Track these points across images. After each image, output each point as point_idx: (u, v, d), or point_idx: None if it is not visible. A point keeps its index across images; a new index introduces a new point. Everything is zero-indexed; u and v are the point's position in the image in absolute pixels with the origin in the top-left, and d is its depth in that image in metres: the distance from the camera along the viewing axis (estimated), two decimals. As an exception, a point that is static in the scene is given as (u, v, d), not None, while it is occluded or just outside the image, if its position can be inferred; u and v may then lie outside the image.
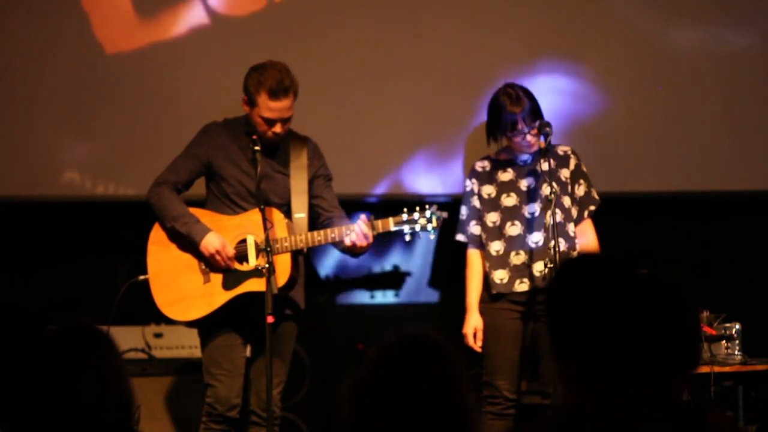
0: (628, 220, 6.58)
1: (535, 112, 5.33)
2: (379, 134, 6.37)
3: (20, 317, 2.83)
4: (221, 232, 5.15)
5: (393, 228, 5.16)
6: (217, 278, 5.17)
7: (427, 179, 6.35)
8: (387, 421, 2.30)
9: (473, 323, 5.40)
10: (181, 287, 5.18)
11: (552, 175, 5.30)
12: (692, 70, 6.46)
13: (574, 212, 5.46)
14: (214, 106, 5.94)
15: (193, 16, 6.33)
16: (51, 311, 2.91)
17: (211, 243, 5.11)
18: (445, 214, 5.23)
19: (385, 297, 6.64)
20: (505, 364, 5.37)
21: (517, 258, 5.39)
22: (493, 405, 5.35)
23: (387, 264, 6.56)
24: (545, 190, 5.35)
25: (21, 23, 6.26)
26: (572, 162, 5.49)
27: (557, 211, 5.27)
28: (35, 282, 6.31)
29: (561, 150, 5.49)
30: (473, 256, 5.47)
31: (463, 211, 5.50)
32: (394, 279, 6.61)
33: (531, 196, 5.41)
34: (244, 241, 5.17)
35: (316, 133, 5.50)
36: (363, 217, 5.14)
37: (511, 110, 5.31)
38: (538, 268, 5.34)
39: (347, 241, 5.10)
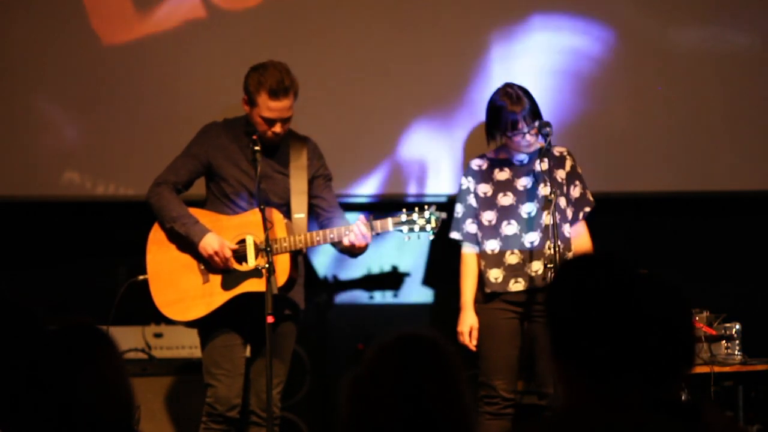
0: (627, 220, 6.58)
1: (534, 111, 5.35)
2: (379, 134, 6.37)
3: (20, 317, 2.83)
4: (221, 232, 5.15)
5: (392, 229, 5.17)
6: (216, 278, 5.17)
7: (426, 179, 6.34)
8: (386, 421, 2.30)
9: (469, 321, 5.40)
10: (181, 287, 5.18)
11: (549, 176, 5.31)
12: (692, 70, 6.46)
13: (570, 213, 5.46)
14: (214, 106, 5.94)
15: (194, 15, 6.33)
16: (51, 311, 2.91)
17: (209, 244, 5.11)
18: (444, 215, 5.25)
19: (384, 297, 6.64)
20: (501, 363, 5.37)
21: (513, 257, 5.39)
22: (490, 405, 5.34)
23: (386, 264, 6.56)
24: (543, 190, 5.36)
25: (20, 23, 6.26)
26: (568, 163, 5.50)
27: (551, 212, 5.28)
28: (35, 282, 6.31)
29: (557, 151, 5.49)
30: (468, 254, 5.47)
31: (459, 208, 5.50)
32: (394, 279, 6.60)
33: (527, 195, 5.42)
34: (243, 241, 5.17)
35: (315, 133, 5.50)
36: (362, 217, 5.14)
37: (511, 110, 5.31)
38: (533, 267, 5.35)
39: (346, 242, 5.11)
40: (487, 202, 5.45)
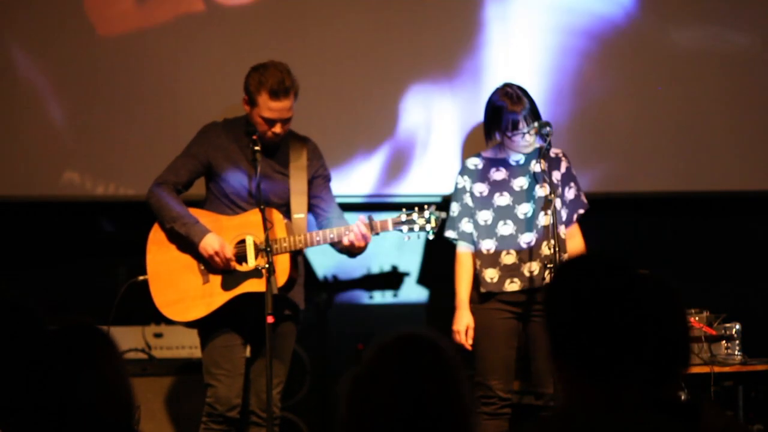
0: (627, 220, 6.58)
1: (534, 111, 5.35)
2: (379, 134, 6.37)
3: (20, 317, 2.83)
4: (220, 233, 5.15)
5: (392, 229, 5.17)
6: (216, 279, 5.17)
7: (426, 179, 6.34)
8: (386, 421, 2.30)
9: (464, 321, 5.39)
10: (181, 288, 5.18)
11: (544, 177, 5.32)
12: (692, 70, 6.46)
13: (564, 214, 5.46)
14: (214, 106, 5.94)
15: (195, 12, 6.33)
16: (51, 311, 2.91)
17: (209, 244, 5.11)
18: (443, 215, 5.25)
19: (384, 297, 6.64)
20: (497, 364, 5.37)
21: (508, 257, 5.39)
22: (487, 405, 5.34)
23: (386, 264, 6.56)
24: (540, 191, 5.36)
25: (20, 22, 6.26)
26: (563, 165, 5.50)
27: (548, 212, 5.29)
28: (35, 282, 6.31)
29: (552, 152, 5.49)
30: (463, 253, 5.47)
31: (454, 207, 5.49)
32: (394, 279, 6.61)
33: (524, 196, 5.42)
34: (243, 241, 5.17)
35: (315, 132, 5.50)
36: (362, 217, 5.15)
37: (512, 110, 5.31)
38: (529, 268, 5.35)
39: (346, 241, 5.11)
40: (483, 202, 5.45)
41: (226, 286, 5.15)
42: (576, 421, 2.31)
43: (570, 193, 5.49)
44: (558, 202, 5.40)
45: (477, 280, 5.41)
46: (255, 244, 5.13)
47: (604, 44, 6.42)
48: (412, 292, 6.65)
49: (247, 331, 5.20)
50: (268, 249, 4.96)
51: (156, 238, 5.24)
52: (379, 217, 5.18)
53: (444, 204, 5.56)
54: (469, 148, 6.14)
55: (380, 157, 6.38)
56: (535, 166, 5.39)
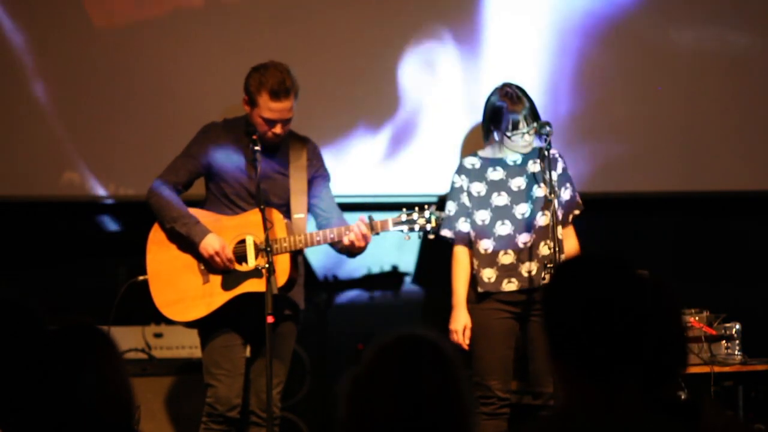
0: (627, 220, 6.58)
1: (534, 111, 5.35)
2: (378, 133, 6.37)
3: (20, 317, 2.83)
4: (220, 233, 5.15)
5: (392, 228, 5.17)
6: (216, 279, 5.17)
7: (425, 179, 6.35)
8: (386, 421, 2.30)
9: (462, 320, 5.39)
10: (181, 288, 5.18)
11: (543, 177, 5.32)
12: (692, 70, 6.46)
13: (560, 215, 5.46)
14: (214, 106, 5.94)
15: (195, 12, 6.34)
16: (51, 311, 2.91)
17: (210, 244, 5.11)
18: (443, 214, 5.24)
19: (384, 297, 6.64)
20: (495, 363, 5.36)
21: (506, 257, 5.39)
22: (485, 405, 5.34)
23: (386, 264, 6.56)
24: (537, 191, 5.36)
25: (20, 21, 6.26)
26: (560, 165, 5.50)
27: (546, 212, 5.29)
28: (35, 282, 6.31)
29: (550, 152, 5.49)
30: (460, 252, 5.46)
31: (451, 207, 5.48)
32: (394, 279, 6.61)
33: (522, 196, 5.41)
34: (243, 241, 5.17)
35: (314, 132, 5.50)
36: (362, 217, 5.14)
37: (512, 110, 5.31)
38: (527, 268, 5.35)
39: (346, 241, 5.11)
40: (481, 202, 5.44)
41: (226, 286, 5.15)
42: (576, 421, 2.31)
43: (566, 194, 5.49)
44: (555, 203, 5.40)
45: (474, 279, 5.41)
46: (255, 244, 5.13)
47: (604, 44, 6.42)
48: (412, 292, 6.65)
49: (247, 331, 5.20)
50: (268, 249, 4.95)
51: (156, 238, 5.24)
52: (379, 217, 5.18)
53: (440, 203, 5.55)
54: (466, 148, 6.14)
55: (380, 156, 6.38)
56: (534, 166, 5.39)
